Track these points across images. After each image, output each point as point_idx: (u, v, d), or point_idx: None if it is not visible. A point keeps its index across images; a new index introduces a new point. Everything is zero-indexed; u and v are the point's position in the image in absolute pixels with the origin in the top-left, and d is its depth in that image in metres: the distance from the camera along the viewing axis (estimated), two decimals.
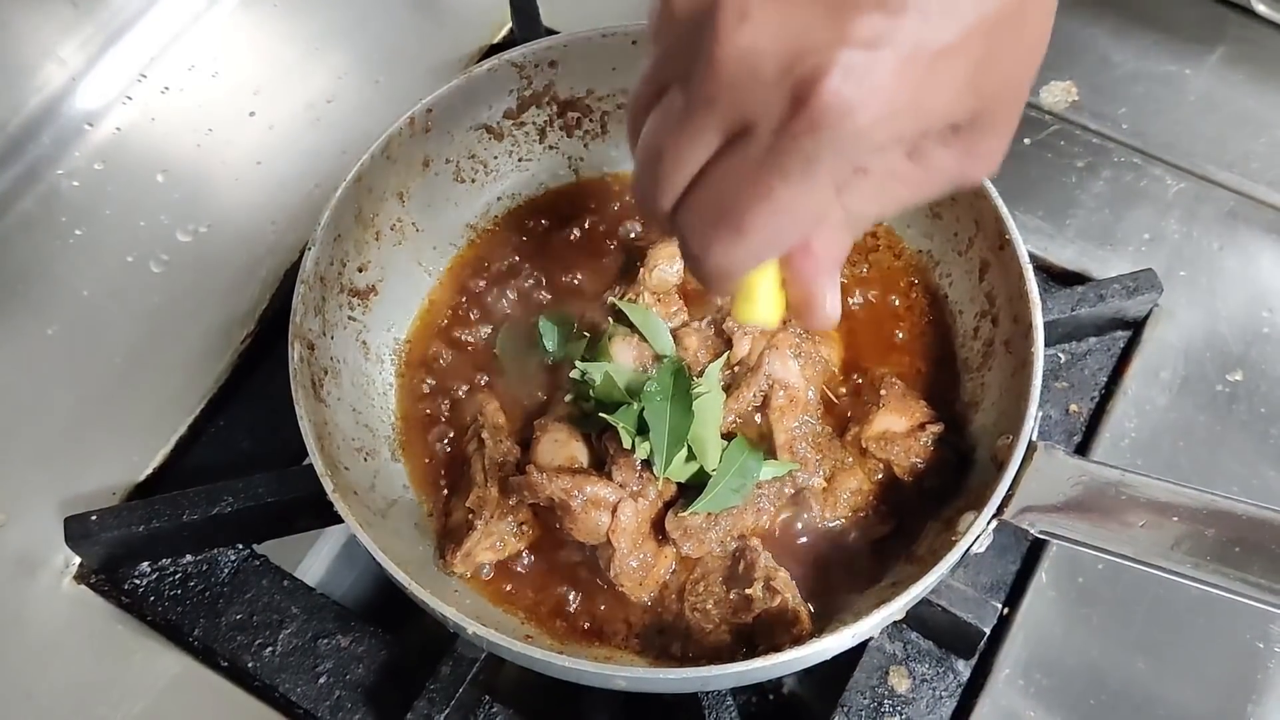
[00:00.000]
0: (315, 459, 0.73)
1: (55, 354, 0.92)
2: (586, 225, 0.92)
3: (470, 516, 0.78)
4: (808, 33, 0.44)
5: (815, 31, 0.44)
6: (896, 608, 0.68)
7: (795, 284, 0.56)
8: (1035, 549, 0.83)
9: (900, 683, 0.79)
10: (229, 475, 0.83)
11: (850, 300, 0.88)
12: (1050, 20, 0.50)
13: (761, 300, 0.59)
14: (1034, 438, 0.72)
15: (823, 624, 0.73)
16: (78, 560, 0.85)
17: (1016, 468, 0.71)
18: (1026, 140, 1.01)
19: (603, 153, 0.95)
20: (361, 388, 0.84)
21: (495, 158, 0.93)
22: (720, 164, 0.49)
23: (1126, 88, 1.03)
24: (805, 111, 0.45)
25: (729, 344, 0.83)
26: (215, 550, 0.85)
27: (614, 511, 0.75)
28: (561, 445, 0.79)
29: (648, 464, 0.77)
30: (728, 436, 0.79)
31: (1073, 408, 0.90)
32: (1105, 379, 0.91)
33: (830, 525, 0.79)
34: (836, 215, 0.51)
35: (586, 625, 0.77)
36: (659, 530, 0.77)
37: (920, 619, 0.79)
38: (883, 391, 0.81)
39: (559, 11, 1.04)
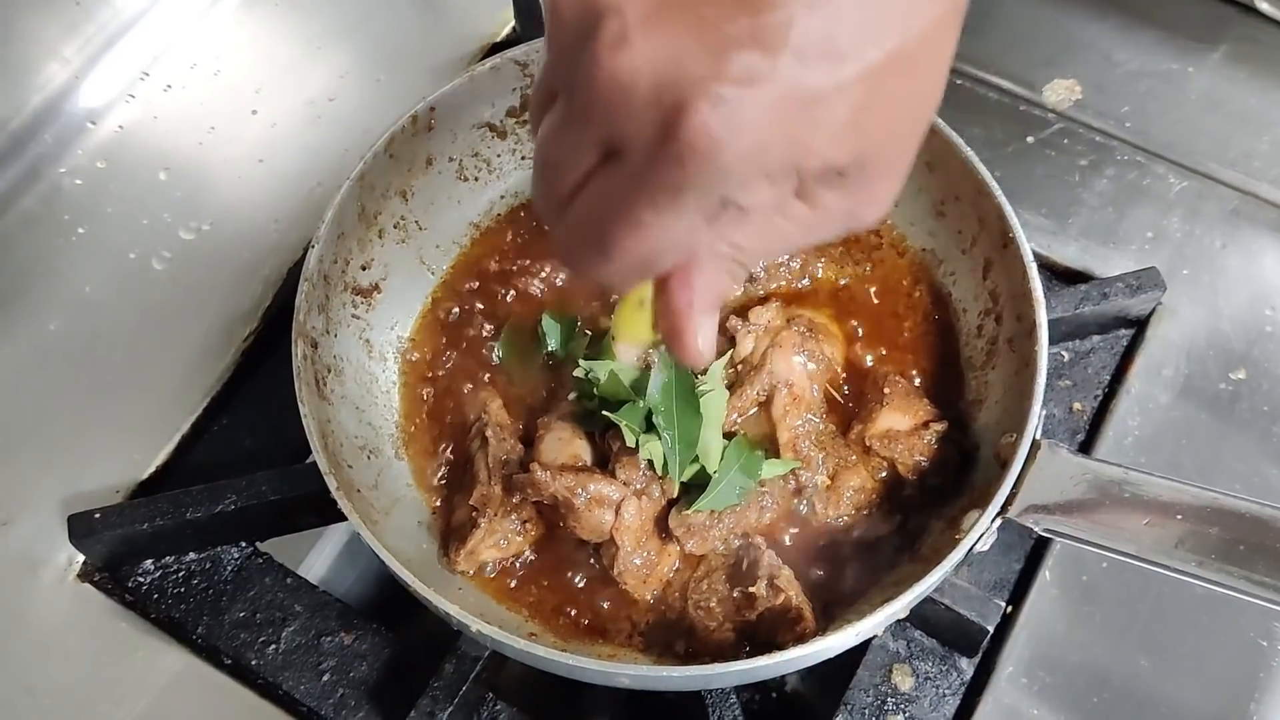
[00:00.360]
0: (318, 457, 0.73)
1: (58, 352, 0.92)
2: None
3: (474, 514, 0.78)
4: (683, 64, 0.44)
5: (690, 64, 0.44)
6: (900, 606, 0.68)
7: (664, 314, 0.54)
8: (1039, 547, 0.83)
9: (904, 681, 0.79)
10: (232, 473, 0.83)
11: (853, 298, 0.88)
12: (945, 71, 0.49)
13: (636, 322, 0.58)
14: (1038, 436, 0.72)
15: (826, 622, 0.73)
16: (81, 558, 0.85)
17: (1020, 466, 0.71)
18: (1030, 138, 1.01)
19: None
20: (365, 386, 0.84)
21: (498, 156, 0.93)
22: (594, 183, 0.49)
23: (1129, 86, 1.03)
24: (672, 142, 0.44)
25: (732, 342, 0.83)
26: (218, 548, 0.85)
27: (617, 509, 0.75)
28: (565, 443, 0.79)
29: (650, 462, 0.77)
30: (728, 436, 0.79)
31: (1076, 406, 0.90)
32: (1108, 377, 0.91)
33: (833, 523, 0.79)
34: (720, 249, 0.50)
35: (590, 623, 0.77)
36: (662, 528, 0.77)
37: (924, 617, 0.79)
38: (886, 390, 0.81)
39: None
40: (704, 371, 0.81)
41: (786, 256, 0.87)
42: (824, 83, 0.44)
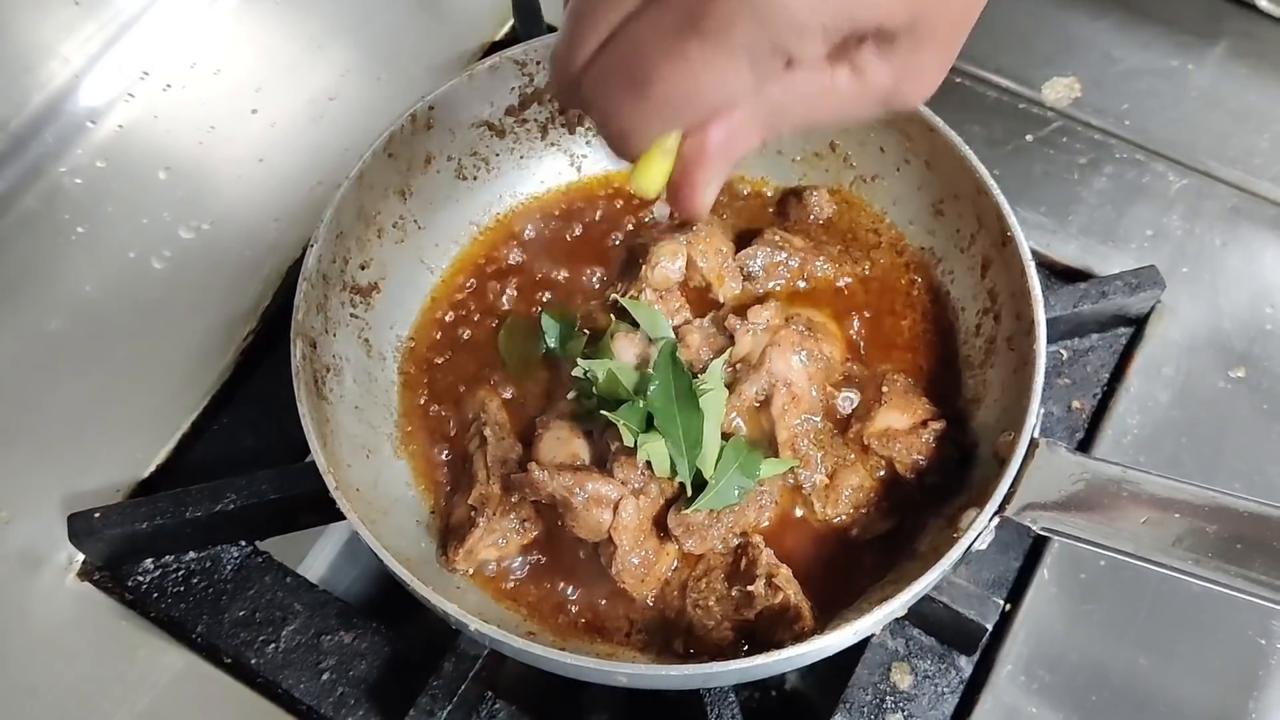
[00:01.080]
0: (318, 456, 0.73)
1: (58, 351, 0.93)
2: (588, 222, 0.92)
3: (472, 513, 0.78)
4: None
5: None
6: (899, 604, 0.68)
7: (681, 160, 0.53)
8: (1037, 545, 0.83)
9: (902, 679, 0.79)
10: (232, 472, 0.83)
11: (852, 297, 0.88)
12: None
13: (654, 171, 0.56)
14: (1036, 434, 0.72)
15: (825, 620, 0.73)
16: (81, 557, 0.85)
17: (1019, 464, 0.71)
18: (1029, 136, 1.01)
19: (604, 150, 0.94)
20: (364, 385, 0.84)
21: (497, 155, 0.93)
22: (636, 21, 0.48)
23: (1129, 83, 1.03)
24: None
25: (731, 341, 0.83)
26: (218, 547, 0.85)
27: (615, 508, 0.75)
28: (563, 442, 0.79)
29: (649, 461, 0.77)
30: (726, 435, 0.79)
31: (1075, 404, 0.90)
32: (1107, 376, 0.91)
33: (832, 522, 0.79)
34: (759, 105, 0.50)
35: (588, 622, 0.78)
36: (661, 527, 0.77)
37: (922, 615, 0.79)
38: (885, 388, 0.81)
39: (561, 8, 1.04)
40: (703, 370, 0.81)
41: (785, 255, 0.87)
42: None
